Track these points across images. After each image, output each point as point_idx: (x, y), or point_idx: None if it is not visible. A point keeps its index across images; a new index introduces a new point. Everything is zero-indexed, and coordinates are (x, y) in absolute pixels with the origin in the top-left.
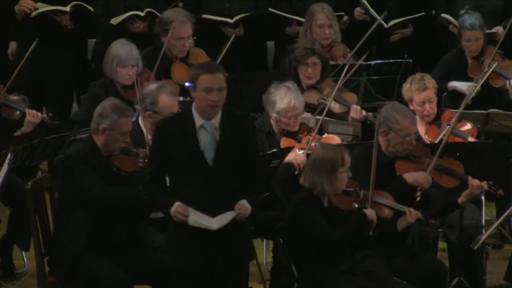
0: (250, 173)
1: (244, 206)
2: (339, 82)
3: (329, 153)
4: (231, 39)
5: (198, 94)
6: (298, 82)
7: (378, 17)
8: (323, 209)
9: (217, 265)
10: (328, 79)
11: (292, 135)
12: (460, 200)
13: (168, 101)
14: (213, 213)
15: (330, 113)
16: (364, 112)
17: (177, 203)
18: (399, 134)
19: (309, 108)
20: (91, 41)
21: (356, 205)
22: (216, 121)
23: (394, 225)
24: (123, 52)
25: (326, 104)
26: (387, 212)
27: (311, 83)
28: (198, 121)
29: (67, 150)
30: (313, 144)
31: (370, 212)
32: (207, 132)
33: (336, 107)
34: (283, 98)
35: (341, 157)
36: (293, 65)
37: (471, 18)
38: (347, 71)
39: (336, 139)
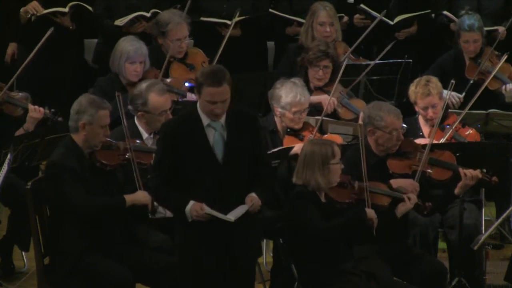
0: (258, 168)
1: (254, 198)
2: (338, 79)
3: (318, 147)
4: (227, 37)
5: (202, 101)
6: (306, 82)
7: (384, 18)
8: (320, 204)
9: (227, 263)
10: (334, 82)
11: (295, 133)
12: (456, 191)
13: (158, 100)
14: (224, 210)
15: (338, 118)
16: None
17: (192, 202)
18: (385, 131)
19: (315, 110)
20: (88, 41)
21: (354, 197)
22: (222, 119)
23: (393, 212)
24: (132, 49)
25: (334, 109)
26: (384, 200)
27: (320, 85)
28: (205, 120)
29: (50, 155)
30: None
31: (369, 211)
32: (214, 130)
33: (343, 112)
34: (288, 93)
35: (331, 149)
36: (305, 65)
37: (470, 19)
38: (349, 71)
39: (338, 139)
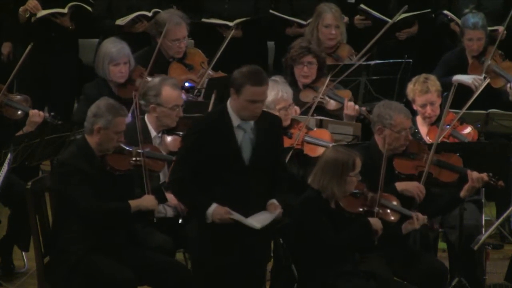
0: (278, 173)
1: (278, 206)
2: (328, 78)
3: (341, 155)
4: (228, 38)
5: (241, 102)
6: (295, 81)
7: (385, 18)
8: (329, 211)
9: (243, 264)
10: (324, 78)
11: (284, 131)
12: (462, 194)
13: (171, 93)
14: (245, 212)
15: (326, 111)
16: (357, 107)
17: (214, 205)
18: (394, 130)
19: (306, 107)
20: (84, 41)
21: (364, 209)
22: (251, 121)
23: (399, 228)
24: (115, 50)
25: (321, 102)
26: (393, 216)
27: (307, 82)
28: (236, 120)
29: (61, 153)
30: (301, 137)
31: (375, 221)
32: (244, 132)
33: (331, 104)
34: (270, 91)
35: (353, 161)
36: (289, 64)
37: (474, 17)
38: (344, 71)
39: (326, 134)
